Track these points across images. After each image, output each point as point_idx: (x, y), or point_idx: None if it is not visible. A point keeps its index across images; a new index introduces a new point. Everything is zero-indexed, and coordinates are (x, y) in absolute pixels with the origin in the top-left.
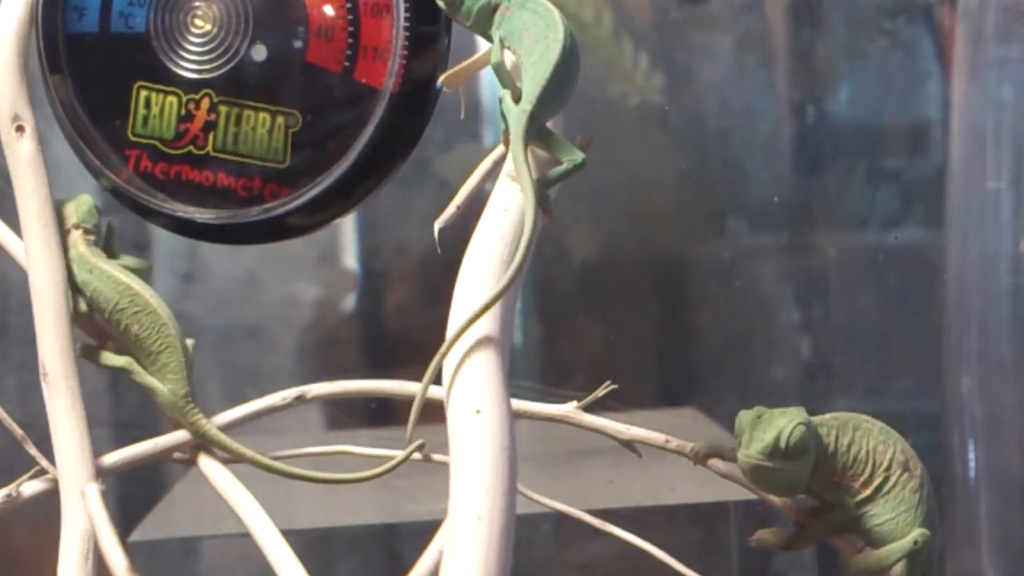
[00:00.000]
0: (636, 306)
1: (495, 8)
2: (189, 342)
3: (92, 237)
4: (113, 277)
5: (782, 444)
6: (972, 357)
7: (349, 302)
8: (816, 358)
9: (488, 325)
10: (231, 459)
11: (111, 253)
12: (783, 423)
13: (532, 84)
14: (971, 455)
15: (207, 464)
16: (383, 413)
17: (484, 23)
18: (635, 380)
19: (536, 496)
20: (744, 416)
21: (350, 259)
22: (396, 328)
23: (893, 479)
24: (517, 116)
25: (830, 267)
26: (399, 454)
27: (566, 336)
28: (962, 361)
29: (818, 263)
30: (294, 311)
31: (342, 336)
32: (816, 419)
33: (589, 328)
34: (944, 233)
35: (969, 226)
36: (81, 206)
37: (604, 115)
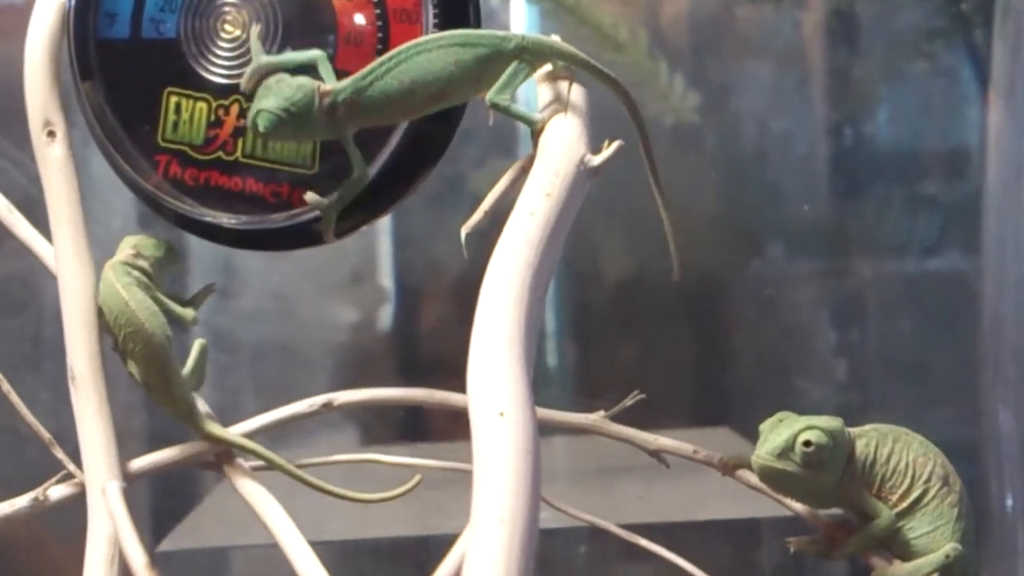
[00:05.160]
0: (670, 325)
1: (332, 110)
2: (199, 342)
3: (143, 262)
4: (115, 291)
5: (794, 446)
6: (1009, 385)
7: (383, 318)
8: (852, 382)
9: (513, 328)
10: (259, 467)
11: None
12: (799, 427)
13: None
14: (1008, 486)
15: (235, 473)
16: (418, 428)
17: (328, 129)
18: (669, 399)
19: (568, 509)
20: (767, 421)
21: (384, 276)
22: (430, 344)
23: (932, 492)
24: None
25: (866, 290)
26: (428, 463)
27: (599, 355)
28: (999, 389)
29: (854, 286)
30: (327, 327)
31: (375, 352)
32: (855, 430)
33: (623, 347)
34: (981, 259)
35: (1006, 252)
36: (150, 239)
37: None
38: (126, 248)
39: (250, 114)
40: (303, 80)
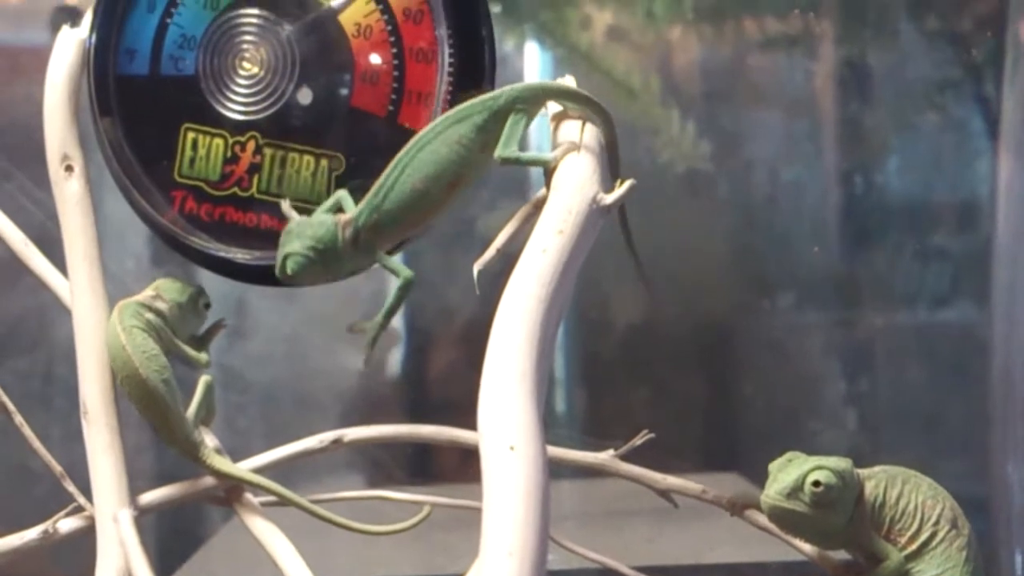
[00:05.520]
0: (680, 372)
1: (356, 236)
2: (205, 379)
3: (162, 304)
4: (115, 333)
5: (803, 486)
6: (1019, 438)
7: (393, 362)
8: (861, 431)
9: (525, 362)
10: (269, 502)
11: (191, 341)
12: (808, 467)
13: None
14: (1016, 542)
15: (244, 508)
16: (428, 470)
17: (359, 257)
18: (679, 445)
19: (577, 548)
20: (777, 461)
21: (395, 319)
22: (440, 388)
23: (941, 535)
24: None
25: (876, 340)
26: (435, 499)
27: (610, 401)
28: (1008, 442)
29: (864, 336)
30: (338, 370)
31: (386, 395)
32: (865, 471)
33: (633, 393)
34: (991, 310)
35: (1016, 304)
36: (176, 284)
37: (651, 181)
38: (148, 289)
39: (278, 261)
40: (322, 216)
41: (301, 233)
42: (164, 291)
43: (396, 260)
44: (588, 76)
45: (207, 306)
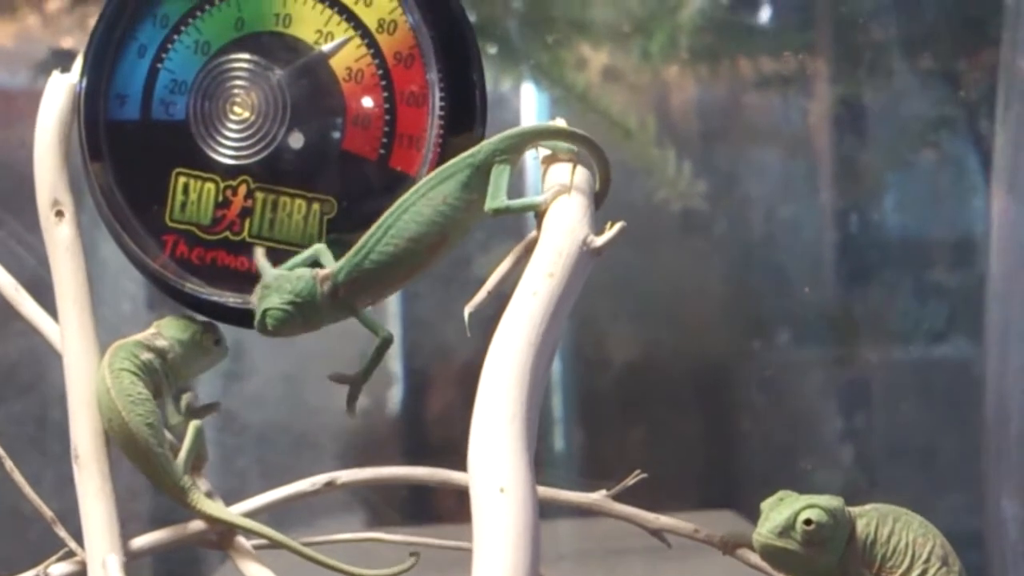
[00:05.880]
0: (676, 410)
1: (335, 292)
2: (194, 424)
3: (163, 342)
4: (102, 375)
5: (795, 524)
6: (1013, 473)
7: (390, 401)
8: (857, 467)
9: (515, 405)
10: (261, 545)
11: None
12: (800, 505)
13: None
14: None
15: (237, 553)
16: (424, 511)
17: (337, 312)
18: (674, 482)
19: None
20: (768, 500)
21: (391, 358)
22: (437, 428)
23: (932, 572)
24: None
25: (872, 377)
26: (429, 541)
27: (606, 439)
28: (1003, 477)
29: (860, 372)
30: (335, 410)
31: (383, 435)
32: (856, 509)
33: (629, 431)
34: (984, 348)
35: (1009, 340)
36: (178, 321)
37: (646, 220)
38: (151, 327)
39: (257, 316)
40: (301, 271)
41: (280, 288)
42: (164, 328)
43: (375, 319)
44: (584, 116)
45: (218, 342)
